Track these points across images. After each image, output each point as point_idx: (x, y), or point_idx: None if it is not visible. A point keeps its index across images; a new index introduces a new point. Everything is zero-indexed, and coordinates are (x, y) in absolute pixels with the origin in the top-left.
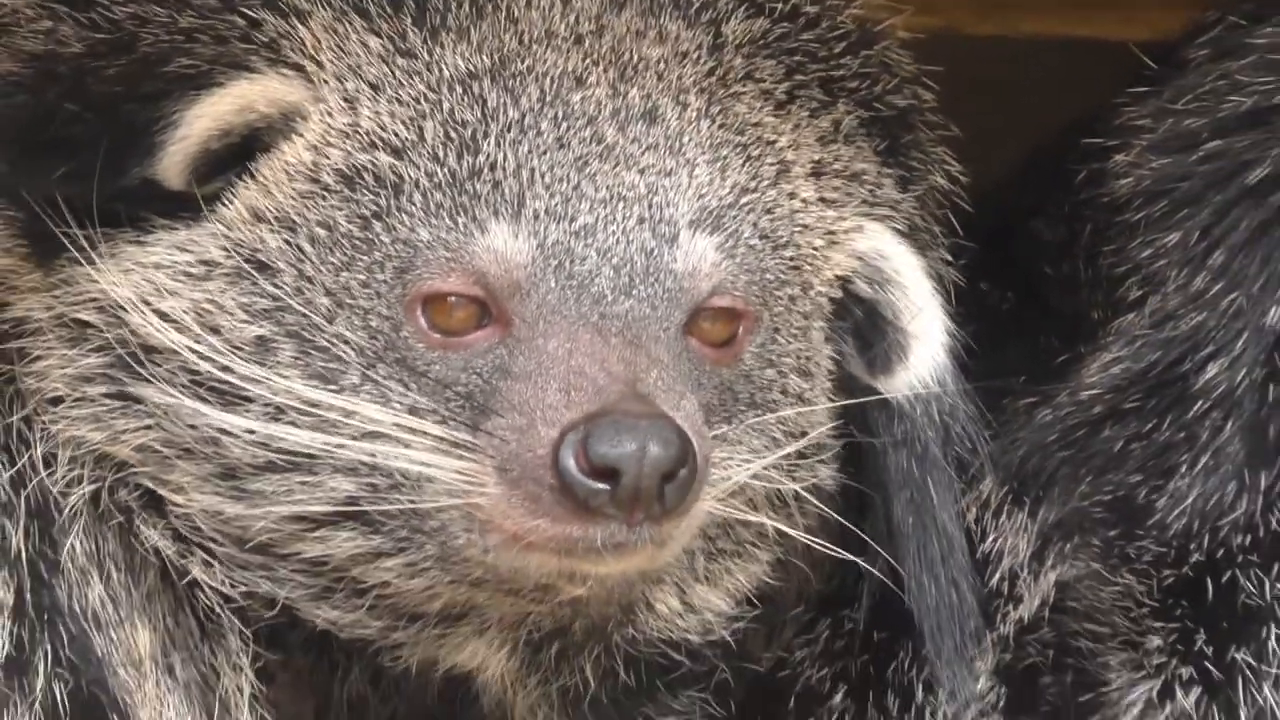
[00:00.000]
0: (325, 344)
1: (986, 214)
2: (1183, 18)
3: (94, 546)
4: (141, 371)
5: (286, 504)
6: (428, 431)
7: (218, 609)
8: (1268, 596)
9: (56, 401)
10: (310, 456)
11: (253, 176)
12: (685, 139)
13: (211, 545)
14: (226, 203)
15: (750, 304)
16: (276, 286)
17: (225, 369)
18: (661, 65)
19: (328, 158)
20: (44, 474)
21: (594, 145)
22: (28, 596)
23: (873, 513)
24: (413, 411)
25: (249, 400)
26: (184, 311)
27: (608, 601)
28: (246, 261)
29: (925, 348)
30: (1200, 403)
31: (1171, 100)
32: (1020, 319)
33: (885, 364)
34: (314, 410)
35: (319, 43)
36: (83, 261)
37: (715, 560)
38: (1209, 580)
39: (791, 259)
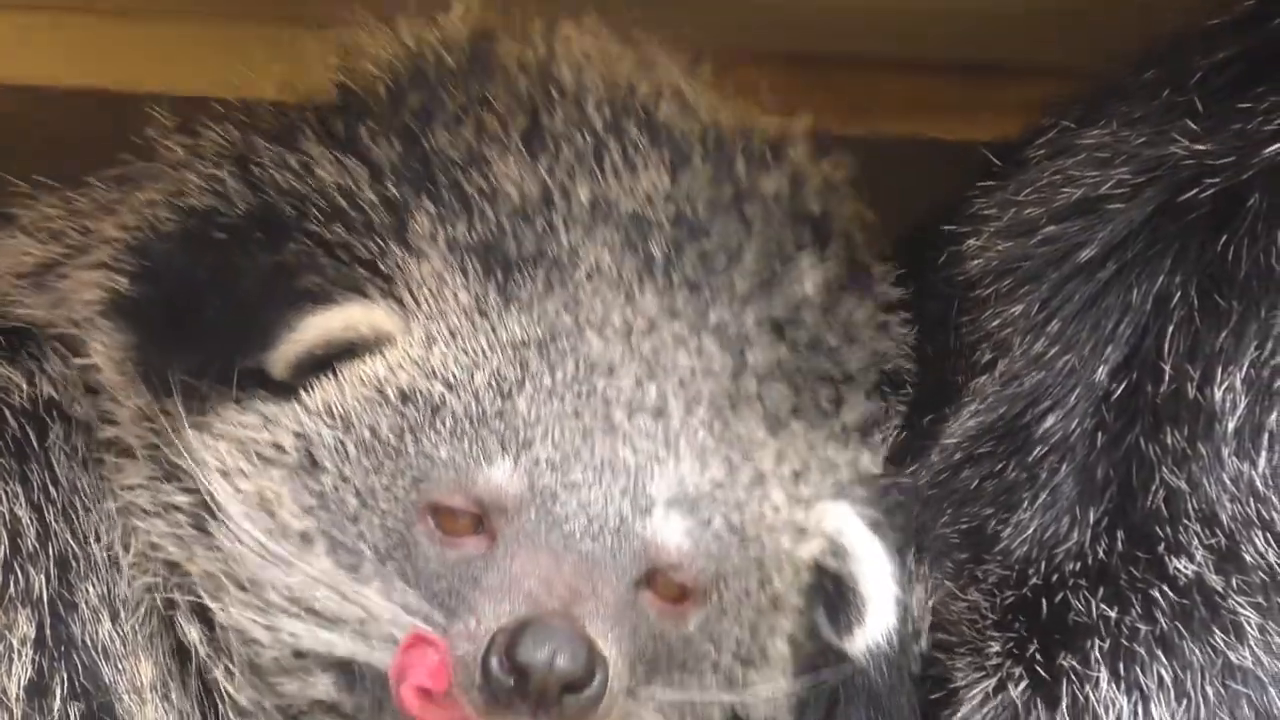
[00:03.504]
0: (349, 541)
1: None
2: (1017, 121)
3: (105, 590)
4: (218, 519)
5: (299, 644)
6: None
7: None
8: (1094, 615)
9: (145, 513)
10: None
11: (335, 376)
12: (681, 440)
13: (232, 656)
14: (308, 391)
15: (702, 585)
16: (320, 484)
17: (273, 553)
18: (687, 373)
19: (396, 377)
20: (120, 552)
21: (602, 422)
22: (47, 631)
23: None
24: (406, 608)
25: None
26: (251, 492)
27: None
28: (305, 458)
29: (880, 610)
30: (1040, 448)
31: (1014, 193)
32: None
33: (848, 626)
34: (334, 589)
35: (423, 285)
36: (184, 426)
37: None
38: (1044, 600)
39: (756, 556)
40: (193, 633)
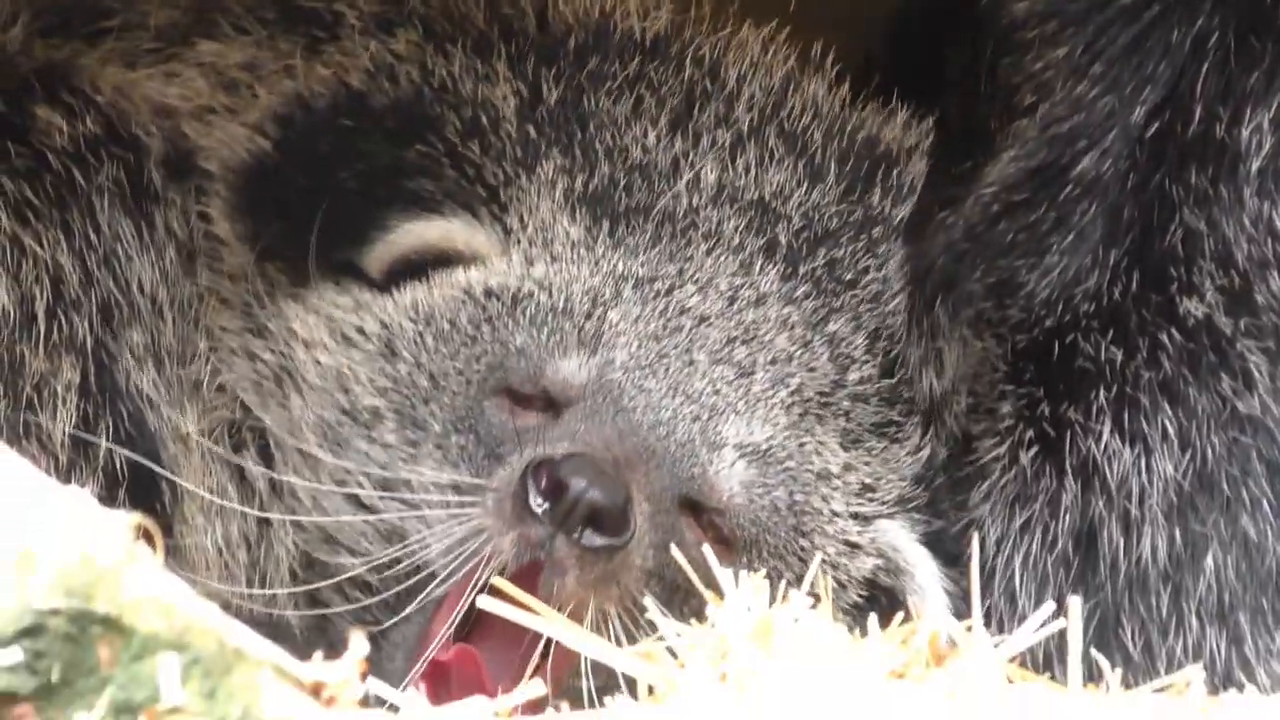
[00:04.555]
0: (417, 418)
1: (905, 45)
2: None
3: (149, 339)
4: (294, 383)
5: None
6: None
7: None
8: (1101, 359)
9: (232, 352)
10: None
11: (426, 278)
12: (761, 404)
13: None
14: (399, 289)
15: (738, 541)
16: (396, 370)
17: (335, 429)
18: (783, 355)
19: (487, 280)
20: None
21: (682, 354)
22: (91, 378)
23: None
24: (458, 480)
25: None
26: (330, 367)
27: None
28: (384, 346)
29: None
30: (1073, 188)
31: None
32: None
33: None
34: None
35: (535, 215)
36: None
37: None
38: (1056, 343)
39: (802, 548)
40: (257, 474)
